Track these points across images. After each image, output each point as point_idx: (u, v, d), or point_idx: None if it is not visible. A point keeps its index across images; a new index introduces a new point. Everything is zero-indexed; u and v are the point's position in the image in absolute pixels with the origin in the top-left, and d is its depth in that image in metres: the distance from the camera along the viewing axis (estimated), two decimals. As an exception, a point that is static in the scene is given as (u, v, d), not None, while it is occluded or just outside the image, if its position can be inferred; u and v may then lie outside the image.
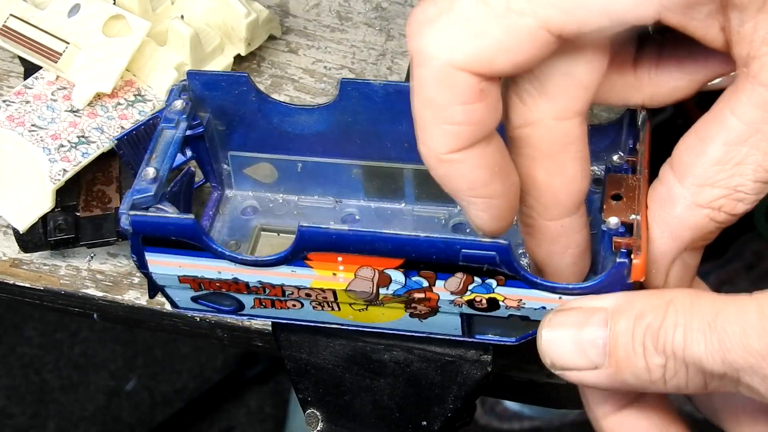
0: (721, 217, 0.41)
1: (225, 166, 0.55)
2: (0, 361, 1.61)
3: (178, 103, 0.50)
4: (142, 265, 0.47)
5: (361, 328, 0.49)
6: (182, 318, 0.61)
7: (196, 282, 0.47)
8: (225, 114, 0.52)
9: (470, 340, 0.49)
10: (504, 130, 0.43)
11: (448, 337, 0.49)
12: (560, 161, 0.43)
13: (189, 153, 0.53)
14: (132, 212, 0.45)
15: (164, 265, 0.46)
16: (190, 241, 0.45)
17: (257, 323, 0.60)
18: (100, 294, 0.61)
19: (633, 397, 0.44)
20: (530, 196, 0.44)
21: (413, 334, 0.49)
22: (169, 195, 0.48)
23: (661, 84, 0.44)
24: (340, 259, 0.44)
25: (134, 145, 0.52)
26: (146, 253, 0.46)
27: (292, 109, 0.52)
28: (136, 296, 0.61)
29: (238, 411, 1.58)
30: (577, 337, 0.41)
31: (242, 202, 0.56)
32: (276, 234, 0.55)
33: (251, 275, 0.46)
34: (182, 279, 0.47)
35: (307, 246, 0.44)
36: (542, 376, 0.59)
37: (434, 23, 0.39)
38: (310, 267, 0.45)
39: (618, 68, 0.44)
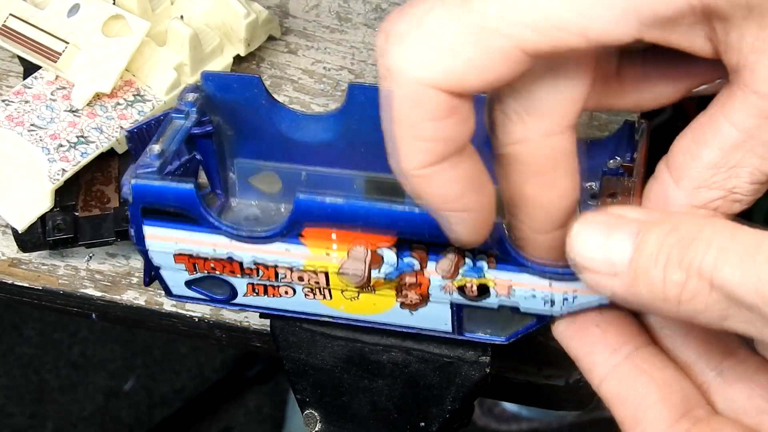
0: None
1: (231, 174, 0.55)
2: (-1, 361, 1.61)
3: (190, 96, 0.50)
4: (139, 240, 0.47)
5: (352, 322, 0.49)
6: (181, 318, 0.61)
7: (191, 261, 0.47)
8: (235, 118, 0.53)
9: (463, 338, 0.49)
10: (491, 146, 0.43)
11: (440, 335, 0.49)
12: (550, 177, 0.43)
13: (197, 156, 0.53)
14: (134, 182, 0.45)
15: (161, 240, 0.47)
16: (188, 211, 0.45)
17: (256, 324, 0.60)
18: (98, 294, 0.61)
19: (629, 349, 0.43)
20: (521, 211, 0.44)
21: (406, 330, 0.49)
22: (173, 176, 0.49)
23: (646, 91, 0.44)
24: (334, 236, 0.44)
25: (143, 139, 0.52)
26: (144, 226, 0.46)
27: (301, 117, 0.52)
28: (135, 296, 0.61)
29: (236, 411, 1.58)
30: (606, 239, 0.40)
31: (245, 210, 0.56)
32: None
33: (246, 252, 0.46)
34: (178, 258, 0.47)
35: (303, 217, 0.44)
36: (540, 377, 0.59)
37: (404, 39, 0.38)
38: (304, 245, 0.45)
39: (602, 76, 0.43)
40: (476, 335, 0.49)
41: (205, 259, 0.47)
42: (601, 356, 0.44)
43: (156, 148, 0.47)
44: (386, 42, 0.39)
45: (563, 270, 0.43)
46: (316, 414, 0.51)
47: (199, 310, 0.61)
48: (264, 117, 0.52)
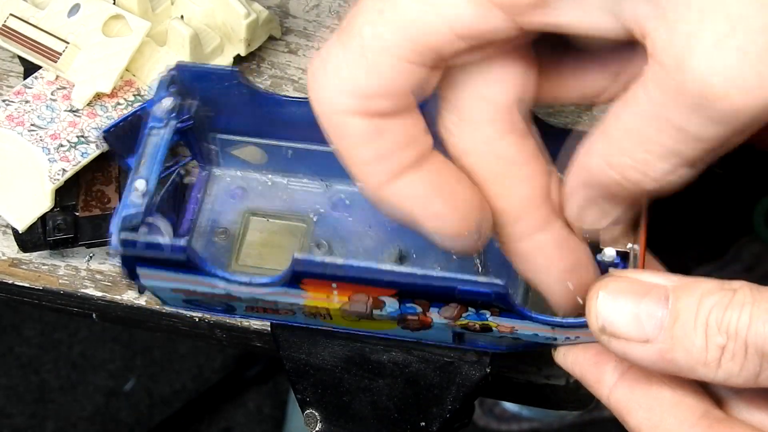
0: (628, 185, 0.39)
1: (212, 147, 0.54)
2: (-1, 361, 1.61)
3: (168, 102, 0.49)
4: (132, 277, 0.46)
5: (354, 332, 0.50)
6: (181, 318, 0.61)
7: (189, 293, 0.47)
8: (214, 103, 0.51)
9: (464, 347, 0.49)
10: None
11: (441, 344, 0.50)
12: (506, 184, 0.43)
13: (175, 137, 0.52)
14: (123, 235, 0.44)
15: (156, 279, 0.46)
16: (183, 264, 0.45)
17: (256, 324, 0.60)
18: (98, 294, 0.61)
19: (627, 365, 0.43)
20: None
21: (407, 339, 0.49)
22: (160, 202, 0.48)
23: (588, 86, 0.43)
24: (334, 285, 0.44)
25: (120, 136, 0.51)
26: (138, 268, 0.45)
27: (283, 101, 0.51)
28: (135, 296, 0.61)
29: (236, 411, 1.58)
30: (636, 307, 0.40)
31: (230, 183, 0.55)
32: (266, 219, 0.54)
33: (245, 292, 0.46)
34: (174, 290, 0.47)
35: (301, 274, 0.44)
36: (541, 377, 0.59)
37: (316, 79, 0.41)
38: (305, 290, 0.45)
39: (543, 71, 0.43)
40: (477, 344, 0.49)
41: (203, 293, 0.47)
42: (607, 367, 0.44)
43: (140, 185, 0.46)
44: (308, 83, 0.41)
45: (566, 321, 0.43)
46: (316, 414, 0.51)
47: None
48: (246, 103, 0.51)
